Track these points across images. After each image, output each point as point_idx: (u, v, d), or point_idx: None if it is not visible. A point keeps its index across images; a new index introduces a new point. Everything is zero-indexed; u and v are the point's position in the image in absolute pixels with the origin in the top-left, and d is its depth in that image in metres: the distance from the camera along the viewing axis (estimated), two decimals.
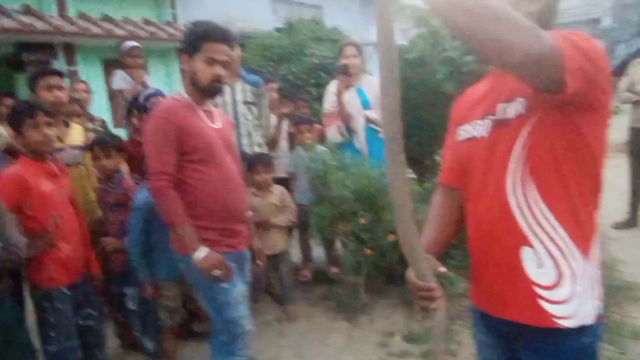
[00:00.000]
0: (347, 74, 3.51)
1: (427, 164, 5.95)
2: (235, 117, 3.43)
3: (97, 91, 7.14)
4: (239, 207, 2.25)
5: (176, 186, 2.10)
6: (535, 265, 1.17)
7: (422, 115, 5.13)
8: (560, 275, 1.16)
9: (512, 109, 1.19)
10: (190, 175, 2.13)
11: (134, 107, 3.52)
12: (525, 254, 1.18)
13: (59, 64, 6.97)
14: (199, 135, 2.11)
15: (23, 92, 6.70)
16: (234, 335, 2.21)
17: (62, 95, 2.65)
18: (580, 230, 1.16)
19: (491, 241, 1.25)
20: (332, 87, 3.95)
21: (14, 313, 2.17)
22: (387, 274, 3.65)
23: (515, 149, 1.18)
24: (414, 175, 6.20)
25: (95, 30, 6.85)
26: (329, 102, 4.03)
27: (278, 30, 7.44)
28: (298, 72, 5.94)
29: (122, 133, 3.96)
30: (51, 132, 2.29)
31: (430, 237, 1.44)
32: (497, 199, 1.20)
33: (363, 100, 4.01)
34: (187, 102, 2.17)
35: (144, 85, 4.75)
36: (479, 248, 1.32)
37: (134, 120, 3.80)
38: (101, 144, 2.85)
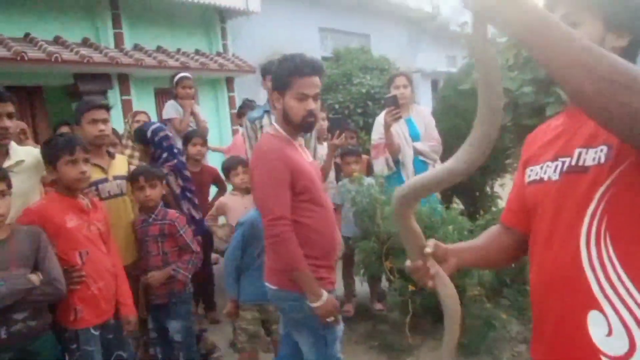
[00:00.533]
0: (396, 105, 3.42)
1: (477, 196, 5.77)
2: None
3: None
4: (337, 246, 2.29)
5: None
6: (603, 332, 1.03)
7: None
8: (633, 346, 1.01)
9: (592, 156, 1.07)
10: (303, 214, 2.08)
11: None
12: (593, 318, 1.05)
13: (114, 93, 7.23)
14: (306, 173, 2.09)
15: None
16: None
17: (106, 129, 2.67)
18: None
19: (556, 296, 1.12)
20: (380, 117, 3.87)
21: (52, 348, 2.15)
22: (434, 314, 3.48)
23: (593, 201, 1.06)
24: (462, 206, 6.06)
25: (148, 61, 7.08)
26: (377, 132, 3.95)
27: (325, 59, 7.47)
28: (345, 101, 5.90)
29: None
30: (87, 168, 2.29)
31: (471, 245, 1.42)
32: (568, 252, 1.07)
33: (412, 131, 3.92)
34: (285, 137, 2.14)
35: (193, 114, 4.87)
36: (542, 300, 1.19)
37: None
38: (145, 174, 2.86)
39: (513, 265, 3.76)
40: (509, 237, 1.38)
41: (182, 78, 4.87)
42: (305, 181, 2.06)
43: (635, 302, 1.01)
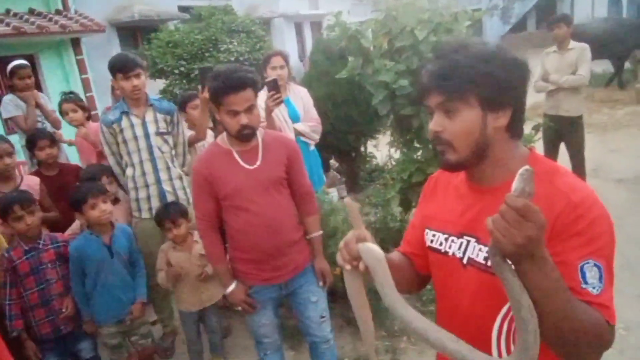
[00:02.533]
0: (277, 89, 3.26)
1: (354, 156, 5.98)
2: (149, 151, 3.10)
3: None
4: (276, 243, 2.34)
5: (221, 226, 2.39)
6: None
7: (349, 114, 5.10)
8: None
9: None
10: (227, 217, 2.34)
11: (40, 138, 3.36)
12: None
13: None
14: (227, 183, 2.26)
15: None
16: (256, 341, 2.58)
17: None
18: None
19: None
20: (260, 101, 3.68)
21: None
22: (328, 293, 3.58)
23: (506, 305, 1.09)
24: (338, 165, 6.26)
25: None
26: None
27: (184, 12, 6.90)
28: None
29: None
30: None
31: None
32: (479, 335, 1.12)
33: (291, 112, 3.81)
34: (222, 149, 2.31)
35: (39, 106, 4.26)
36: None
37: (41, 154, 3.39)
38: (20, 202, 2.55)
39: (394, 233, 3.99)
40: (410, 267, 1.42)
41: (16, 68, 4.23)
42: (227, 190, 2.26)
43: None
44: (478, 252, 1.15)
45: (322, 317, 2.57)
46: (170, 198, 3.18)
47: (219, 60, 5.63)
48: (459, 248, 1.20)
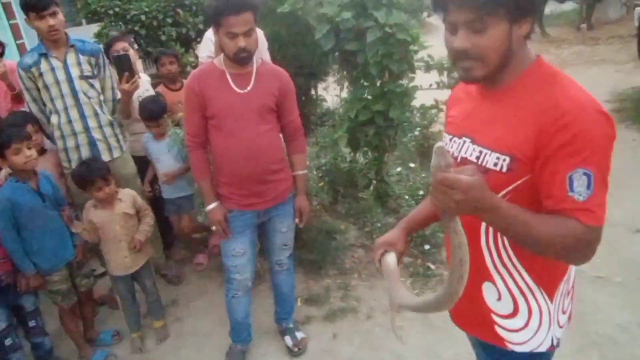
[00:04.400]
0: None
1: (304, 99, 5.83)
2: (75, 97, 2.89)
3: None
4: (255, 170, 2.37)
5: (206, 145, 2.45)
6: (494, 297, 1.31)
7: (297, 55, 4.91)
8: (516, 308, 1.29)
9: (493, 160, 1.18)
10: (211, 137, 2.39)
11: None
12: (487, 287, 1.31)
13: None
14: (220, 102, 2.31)
15: None
16: (227, 278, 2.65)
17: None
18: (545, 274, 1.26)
19: None
20: (210, 34, 3.42)
21: None
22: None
23: None
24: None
25: None
26: (206, 49, 3.56)
27: None
28: (152, 10, 5.23)
29: None
30: None
31: (418, 214, 1.59)
32: (470, 233, 1.17)
33: None
34: (216, 68, 2.34)
35: None
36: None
37: None
38: None
39: (343, 174, 3.97)
40: None
41: None
42: (215, 109, 2.31)
43: (521, 277, 1.26)
44: (472, 152, 1.24)
45: (285, 245, 2.70)
46: (101, 146, 3.02)
47: (157, 0, 5.30)
48: (457, 148, 1.29)
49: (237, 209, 2.47)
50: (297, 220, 2.66)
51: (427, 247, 3.49)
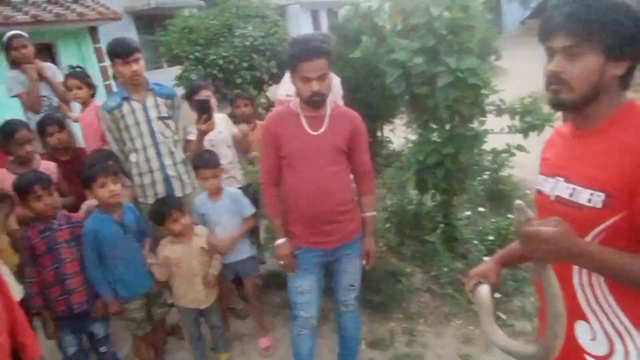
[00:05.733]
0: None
1: (370, 141, 5.90)
2: (152, 136, 3.08)
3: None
4: (324, 210, 2.42)
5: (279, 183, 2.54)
6: (588, 337, 1.28)
7: (365, 98, 5.03)
8: (612, 349, 1.25)
9: (586, 196, 1.21)
10: (284, 175, 2.48)
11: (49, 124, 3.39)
12: (580, 326, 1.29)
13: None
14: (290, 143, 2.40)
15: None
16: (293, 315, 2.68)
17: None
18: None
19: None
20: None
21: None
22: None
23: (587, 237, 1.20)
24: None
25: None
26: (285, 88, 3.70)
27: (199, 7, 6.88)
28: (229, 55, 5.55)
29: None
30: None
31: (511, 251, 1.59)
32: (562, 272, 1.20)
33: None
34: (292, 111, 2.44)
35: (45, 79, 4.06)
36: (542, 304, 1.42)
37: (51, 139, 3.40)
38: (40, 183, 2.57)
39: (410, 216, 3.95)
40: None
41: (11, 38, 3.99)
42: (288, 149, 2.40)
43: (617, 316, 1.23)
44: (565, 190, 1.27)
45: (352, 285, 2.68)
46: (175, 183, 3.17)
47: (234, 45, 5.61)
48: (551, 187, 1.33)
49: (305, 246, 2.52)
50: (363, 262, 2.67)
51: (497, 295, 3.36)
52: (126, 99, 3.03)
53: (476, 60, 3.03)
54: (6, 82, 4.03)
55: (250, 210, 3.14)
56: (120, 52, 2.92)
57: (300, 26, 17.38)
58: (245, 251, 3.19)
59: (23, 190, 2.58)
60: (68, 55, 7.79)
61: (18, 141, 2.97)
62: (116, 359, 2.98)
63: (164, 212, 2.84)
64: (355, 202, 2.58)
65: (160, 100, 3.11)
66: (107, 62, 8.38)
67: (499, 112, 3.36)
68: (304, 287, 2.57)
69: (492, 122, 3.44)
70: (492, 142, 3.57)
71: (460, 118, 3.17)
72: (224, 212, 3.08)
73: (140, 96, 3.06)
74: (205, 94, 3.34)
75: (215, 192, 3.07)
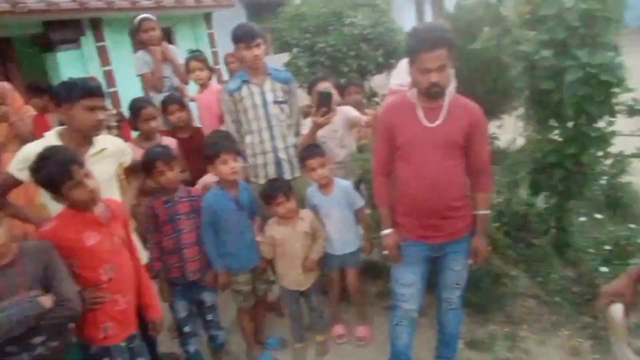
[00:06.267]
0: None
1: None
2: (267, 120, 3.19)
3: (127, 69, 6.96)
4: (434, 204, 2.38)
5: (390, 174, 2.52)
6: None
7: (475, 92, 4.83)
8: None
9: None
10: (397, 167, 2.45)
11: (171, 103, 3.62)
12: None
13: (87, 41, 6.77)
14: (404, 134, 2.37)
15: (53, 72, 6.56)
16: (393, 305, 2.69)
17: (104, 117, 2.44)
18: None
19: None
20: (405, 62, 3.36)
21: None
22: None
23: None
24: None
25: (120, 2, 6.58)
26: (398, 77, 3.60)
27: None
28: (337, 44, 5.59)
29: None
30: (92, 183, 2.09)
31: None
32: None
33: None
34: (408, 101, 2.40)
35: (169, 60, 4.29)
36: None
37: (172, 118, 3.62)
38: (164, 159, 2.76)
39: (518, 217, 3.76)
40: None
41: (141, 21, 4.25)
42: (402, 140, 2.37)
43: None
44: None
45: (457, 284, 2.63)
46: (285, 166, 3.26)
47: (342, 34, 5.64)
48: None
49: (412, 238, 2.50)
50: (470, 260, 2.59)
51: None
52: (246, 82, 3.16)
53: (611, 55, 2.80)
54: (136, 62, 4.35)
55: (360, 202, 3.12)
56: (244, 37, 3.04)
57: (404, 16, 17.07)
58: (353, 244, 3.17)
59: (149, 164, 2.78)
60: (184, 40, 8.24)
61: (144, 117, 3.20)
62: (220, 327, 3.14)
63: (271, 194, 2.95)
64: (469, 198, 2.49)
65: (277, 85, 3.20)
66: (219, 48, 8.79)
67: (632, 112, 3.08)
68: (407, 280, 2.56)
69: (621, 123, 3.17)
70: (618, 145, 3.30)
71: (586, 117, 2.95)
72: (334, 205, 3.08)
73: (259, 80, 3.17)
74: (324, 85, 3.38)
75: (325, 184, 3.06)
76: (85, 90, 2.33)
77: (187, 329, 2.98)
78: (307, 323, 3.31)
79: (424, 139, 2.33)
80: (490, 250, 3.66)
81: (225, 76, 5.29)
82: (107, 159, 2.53)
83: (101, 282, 2.14)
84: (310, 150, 3.02)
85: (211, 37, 8.82)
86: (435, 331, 2.92)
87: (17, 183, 2.35)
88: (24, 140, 4.35)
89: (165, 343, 3.13)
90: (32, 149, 2.22)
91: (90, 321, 2.13)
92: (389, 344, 2.83)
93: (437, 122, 2.32)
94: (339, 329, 3.31)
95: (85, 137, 2.42)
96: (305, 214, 3.07)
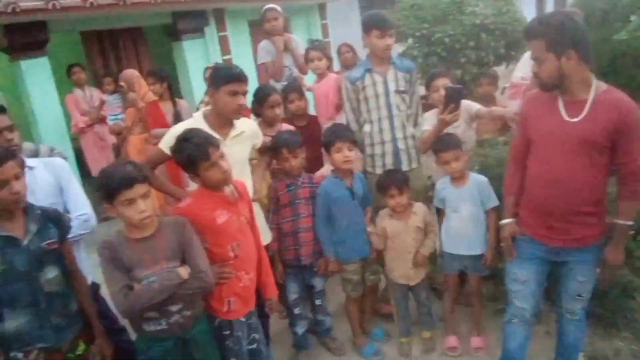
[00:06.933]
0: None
1: None
2: (388, 109, 3.15)
3: (245, 58, 7.28)
4: (559, 206, 2.25)
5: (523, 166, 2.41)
6: None
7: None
8: None
9: None
10: (528, 160, 2.36)
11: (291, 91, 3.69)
12: None
13: (211, 30, 7.16)
14: (538, 127, 2.27)
15: (179, 60, 7.03)
16: (508, 300, 2.59)
17: (244, 102, 2.56)
18: None
19: None
20: (528, 55, 3.32)
21: (207, 334, 2.23)
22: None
23: None
24: None
25: None
26: (522, 70, 3.43)
27: None
28: (456, 34, 5.40)
29: None
30: (226, 164, 2.20)
31: None
32: None
33: None
34: (550, 93, 2.25)
35: (289, 50, 4.39)
36: None
37: (291, 106, 3.71)
38: (289, 146, 2.86)
39: None
40: None
41: (266, 10, 4.38)
42: (535, 134, 2.28)
43: None
44: None
45: (580, 295, 2.43)
46: (403, 156, 3.22)
47: (462, 23, 5.44)
48: None
49: (529, 235, 2.39)
50: (597, 270, 2.35)
51: None
52: (369, 70, 3.15)
53: None
54: (259, 50, 4.53)
55: (494, 201, 2.90)
56: (379, 24, 3.03)
57: (524, 5, 16.11)
58: (478, 247, 2.94)
59: (275, 149, 2.89)
60: (298, 30, 8.43)
61: (270, 104, 3.30)
62: (328, 312, 3.19)
63: (385, 185, 2.93)
64: (604, 205, 2.26)
65: (400, 74, 3.17)
66: (331, 39, 8.89)
67: None
68: (520, 276, 2.46)
69: None
70: None
71: None
72: (465, 199, 2.90)
73: (382, 69, 3.15)
74: (444, 82, 3.27)
75: (459, 177, 2.94)
76: (228, 76, 2.46)
77: (297, 310, 3.06)
78: (414, 318, 3.26)
79: (558, 135, 2.18)
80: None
81: (337, 66, 5.33)
82: (244, 141, 2.65)
83: (228, 258, 2.26)
84: (445, 142, 2.92)
85: (324, 27, 8.93)
86: (553, 340, 2.75)
87: (166, 158, 2.53)
88: (147, 124, 4.79)
89: (273, 324, 3.24)
90: (181, 128, 2.39)
91: (216, 295, 2.26)
92: (499, 349, 2.71)
93: (578, 118, 2.12)
94: (452, 341, 3.10)
95: (227, 120, 2.55)
96: (419, 208, 3.01)
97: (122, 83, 5.01)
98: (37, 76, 5.60)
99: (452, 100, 2.90)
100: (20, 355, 1.98)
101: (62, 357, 2.08)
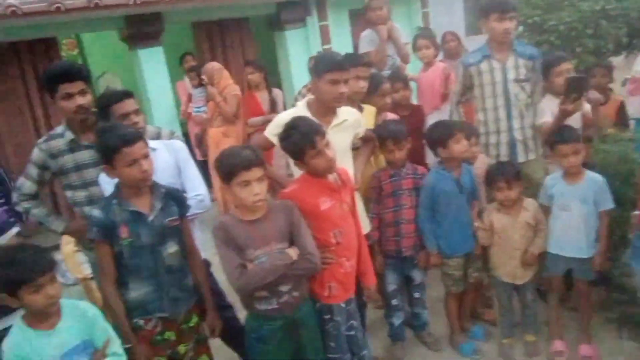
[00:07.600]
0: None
1: None
2: (506, 97, 3.02)
3: (345, 47, 7.28)
4: None
5: None
6: None
7: None
8: None
9: None
10: None
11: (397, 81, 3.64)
12: None
13: (312, 20, 7.24)
14: None
15: (281, 50, 7.19)
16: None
17: (346, 91, 2.57)
18: None
19: None
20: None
21: (313, 316, 2.29)
22: None
23: None
24: None
25: None
26: None
27: None
28: (572, 21, 5.03)
29: None
30: (331, 152, 2.22)
31: None
32: None
33: None
34: None
35: (392, 39, 4.28)
36: None
37: (396, 95, 3.67)
38: (395, 138, 2.83)
39: None
40: None
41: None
42: None
43: None
44: None
45: None
46: (519, 147, 3.09)
47: (579, 10, 5.05)
48: None
49: None
50: None
51: None
52: (487, 57, 3.04)
53: None
54: (360, 40, 4.51)
55: (610, 203, 2.68)
56: (499, 6, 2.92)
57: None
58: (588, 249, 2.74)
59: (380, 139, 2.87)
60: (398, 18, 8.22)
61: (382, 92, 3.28)
62: (425, 306, 3.14)
63: (493, 177, 2.81)
64: None
65: (521, 62, 3.03)
66: (433, 27, 8.64)
67: None
68: None
69: None
70: None
71: None
72: (578, 197, 2.71)
73: (502, 56, 3.03)
74: (566, 67, 3.06)
75: (574, 173, 2.73)
76: (330, 65, 2.49)
77: (394, 301, 3.04)
78: (518, 319, 3.11)
79: None
80: None
81: (440, 55, 5.16)
82: (347, 130, 2.65)
83: (330, 244, 2.29)
84: (563, 134, 2.73)
85: (425, 16, 8.70)
86: None
87: (270, 145, 2.61)
88: (225, 118, 4.99)
89: (369, 313, 3.22)
90: (285, 117, 2.45)
91: (318, 279, 2.30)
92: None
93: None
94: (558, 345, 2.92)
95: (329, 108, 2.57)
96: (530, 203, 2.86)
97: (203, 76, 5.21)
98: (153, 64, 6.02)
99: (574, 90, 2.70)
100: (141, 322, 2.14)
101: (177, 327, 2.21)
